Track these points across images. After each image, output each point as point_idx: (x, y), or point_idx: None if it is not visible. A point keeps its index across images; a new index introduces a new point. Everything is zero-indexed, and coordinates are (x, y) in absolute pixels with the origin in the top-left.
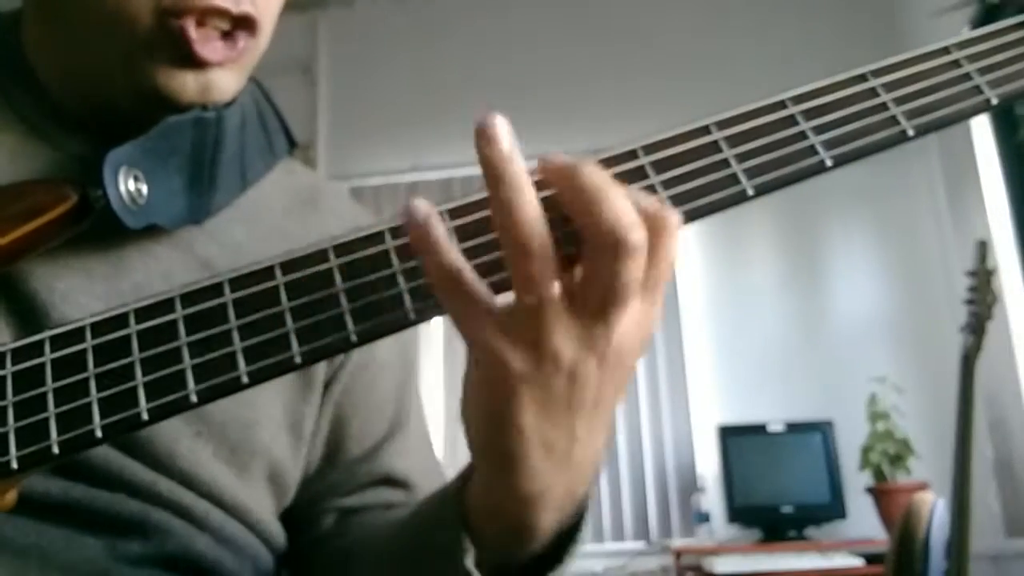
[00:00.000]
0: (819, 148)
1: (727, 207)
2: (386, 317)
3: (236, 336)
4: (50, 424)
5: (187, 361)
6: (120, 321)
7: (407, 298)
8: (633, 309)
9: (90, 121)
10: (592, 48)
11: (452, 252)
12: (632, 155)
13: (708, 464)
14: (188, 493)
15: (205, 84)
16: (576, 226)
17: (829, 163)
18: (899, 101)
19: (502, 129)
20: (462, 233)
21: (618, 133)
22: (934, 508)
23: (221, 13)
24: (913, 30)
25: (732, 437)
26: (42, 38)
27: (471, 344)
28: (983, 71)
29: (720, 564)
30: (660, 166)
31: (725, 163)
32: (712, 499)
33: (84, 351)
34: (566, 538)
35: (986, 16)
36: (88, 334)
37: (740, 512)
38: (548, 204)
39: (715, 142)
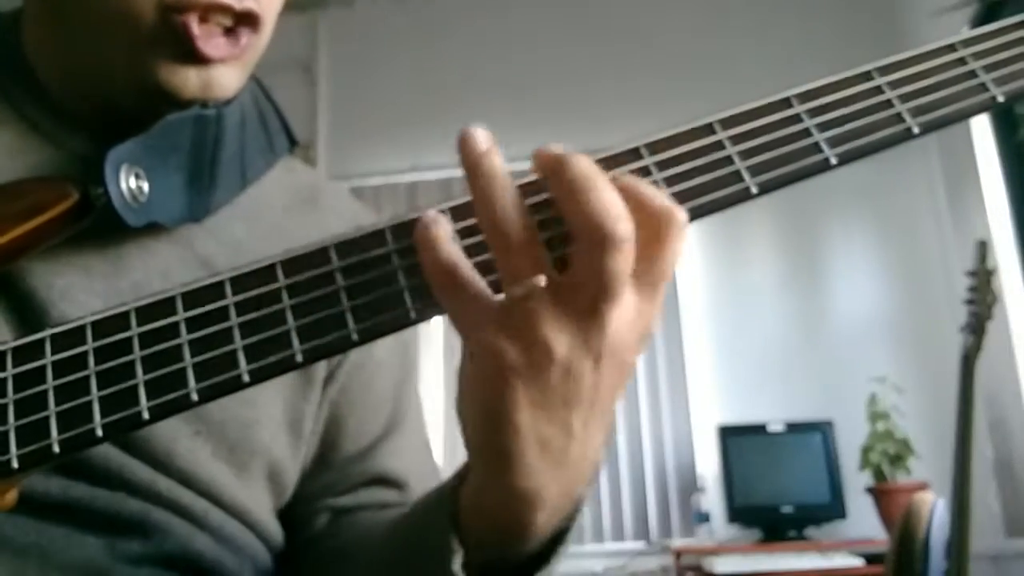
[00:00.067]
0: (823, 146)
1: (730, 205)
2: (387, 315)
3: (237, 334)
4: (51, 423)
5: (188, 360)
6: (121, 319)
7: (408, 296)
8: (629, 304)
9: (90, 119)
10: (592, 48)
11: (449, 247)
12: (635, 153)
13: (708, 464)
14: (187, 492)
15: (207, 80)
16: (565, 219)
17: (834, 161)
18: (904, 98)
19: (481, 133)
20: (462, 232)
21: (618, 133)
22: (934, 508)
23: (224, 9)
24: (913, 30)
25: (732, 437)
26: (43, 37)
27: (466, 338)
28: (989, 68)
29: (720, 564)
30: (663, 164)
31: (728, 160)
32: (712, 499)
33: (85, 349)
34: (558, 539)
35: (987, 15)
36: (89, 332)
37: (740, 512)
38: (544, 204)
39: (719, 140)
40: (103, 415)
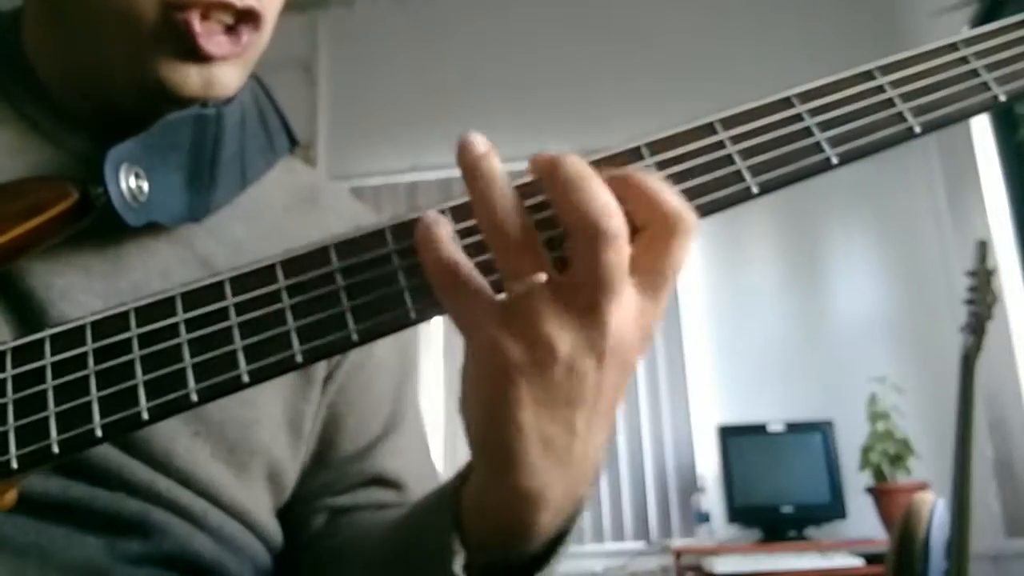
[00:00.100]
0: (824, 145)
1: (732, 205)
2: (387, 316)
3: (237, 334)
4: (50, 423)
5: (187, 360)
6: (120, 320)
7: (408, 297)
8: (631, 303)
9: (90, 118)
10: (592, 48)
11: (450, 246)
12: (636, 152)
13: (708, 464)
14: (186, 492)
15: (208, 78)
16: (559, 217)
17: (835, 160)
18: (906, 98)
19: (478, 138)
20: (463, 232)
21: (618, 133)
22: (934, 508)
23: (225, 7)
24: (913, 30)
25: (732, 437)
26: (43, 36)
27: (469, 337)
28: (990, 67)
29: (720, 564)
30: (664, 163)
31: (729, 160)
32: (712, 499)
33: (84, 350)
34: (558, 539)
35: (987, 15)
36: (88, 333)
37: (740, 512)
38: (542, 205)
39: (719, 140)
40: (102, 415)
